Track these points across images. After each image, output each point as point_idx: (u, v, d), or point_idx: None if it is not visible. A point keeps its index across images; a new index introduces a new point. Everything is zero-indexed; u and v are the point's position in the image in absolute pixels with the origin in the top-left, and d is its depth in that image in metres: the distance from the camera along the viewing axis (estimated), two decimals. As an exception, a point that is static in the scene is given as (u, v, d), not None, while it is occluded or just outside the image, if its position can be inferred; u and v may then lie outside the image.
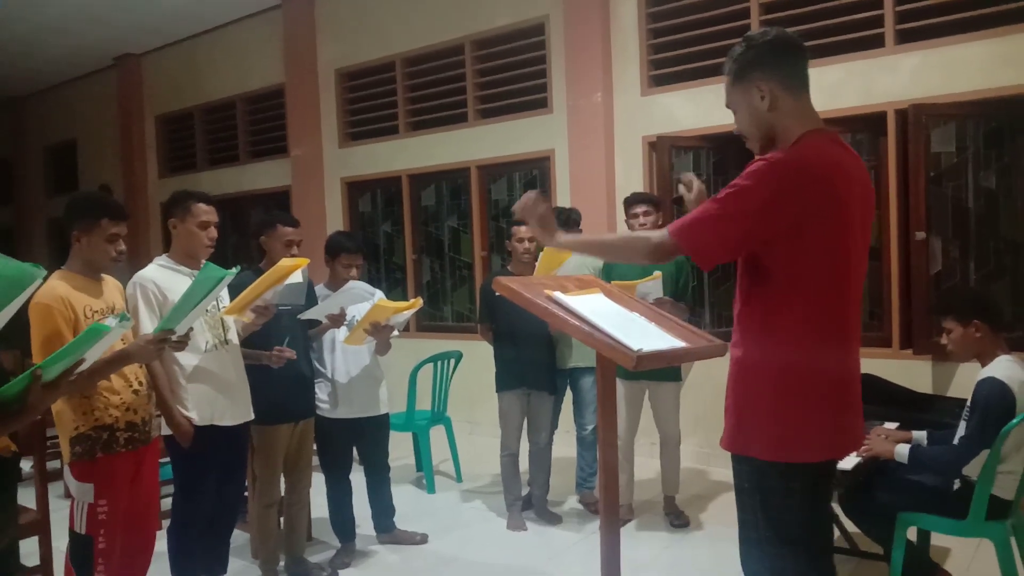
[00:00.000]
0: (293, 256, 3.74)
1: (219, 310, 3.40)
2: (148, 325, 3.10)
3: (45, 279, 1.86)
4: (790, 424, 2.01)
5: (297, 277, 3.47)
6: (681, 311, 4.25)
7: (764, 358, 2.04)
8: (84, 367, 2.13)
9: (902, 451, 3.23)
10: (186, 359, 3.22)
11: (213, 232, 3.37)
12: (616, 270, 4.35)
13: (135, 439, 2.97)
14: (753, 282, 2.07)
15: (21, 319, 2.77)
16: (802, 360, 1.99)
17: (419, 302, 4.08)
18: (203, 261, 3.06)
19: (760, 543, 2.09)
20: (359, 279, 4.10)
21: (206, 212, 3.33)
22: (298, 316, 3.63)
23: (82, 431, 2.86)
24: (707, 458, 5.62)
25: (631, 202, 4.48)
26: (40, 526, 3.60)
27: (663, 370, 4.35)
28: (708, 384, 5.27)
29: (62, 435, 2.89)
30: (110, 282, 3.08)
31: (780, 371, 2.01)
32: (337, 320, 3.84)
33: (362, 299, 3.88)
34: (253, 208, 8.57)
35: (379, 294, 4.15)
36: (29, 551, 3.73)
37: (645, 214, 4.37)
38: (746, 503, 2.12)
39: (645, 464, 4.71)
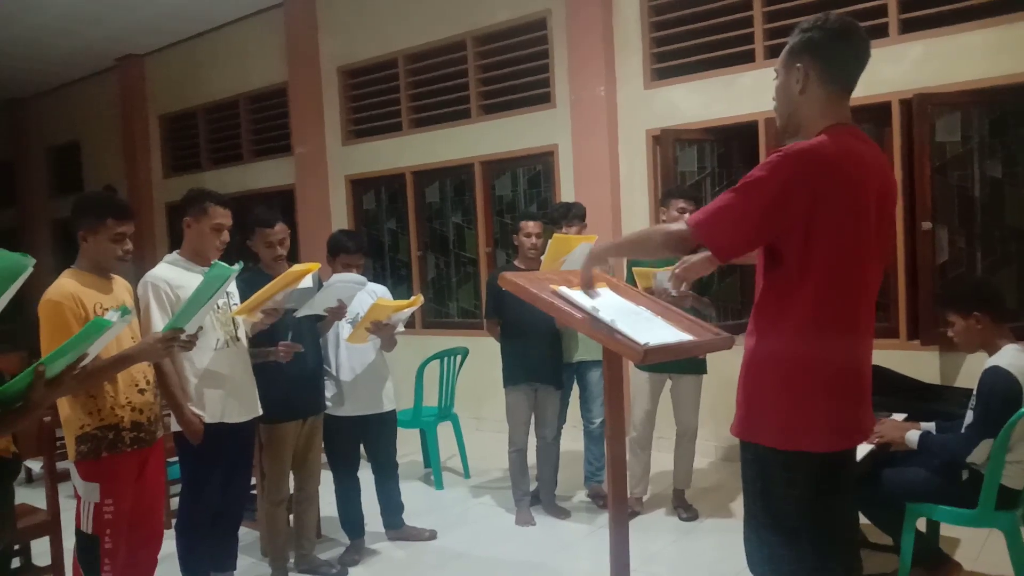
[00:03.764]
0: (278, 255, 3.74)
1: (230, 308, 3.41)
2: (160, 325, 3.11)
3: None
4: (796, 413, 2.02)
5: (307, 282, 3.48)
6: (705, 306, 4.24)
7: (775, 346, 2.05)
8: (86, 362, 2.13)
9: (912, 437, 3.25)
10: (198, 357, 3.24)
11: (225, 236, 3.39)
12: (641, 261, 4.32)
13: (141, 439, 2.98)
14: (769, 271, 2.09)
15: (29, 319, 2.79)
16: (811, 350, 2.00)
17: (419, 299, 4.08)
18: (213, 260, 3.08)
19: (759, 529, 2.12)
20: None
21: (222, 216, 3.36)
22: (294, 314, 3.61)
23: (88, 430, 2.87)
24: (716, 451, 5.62)
25: (671, 196, 4.44)
26: (50, 526, 3.61)
27: (687, 362, 4.33)
28: (716, 377, 5.25)
29: (68, 434, 2.91)
30: (120, 282, 3.09)
31: (790, 360, 2.02)
32: (337, 312, 3.81)
33: (352, 290, 3.81)
34: (257, 207, 8.58)
35: (371, 285, 4.15)
36: (40, 551, 3.76)
37: (681, 211, 4.26)
38: (750, 490, 2.14)
39: (654, 458, 4.71)
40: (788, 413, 2.02)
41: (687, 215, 4.14)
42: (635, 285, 3.72)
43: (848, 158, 1.98)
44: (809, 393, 2.01)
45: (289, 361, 3.61)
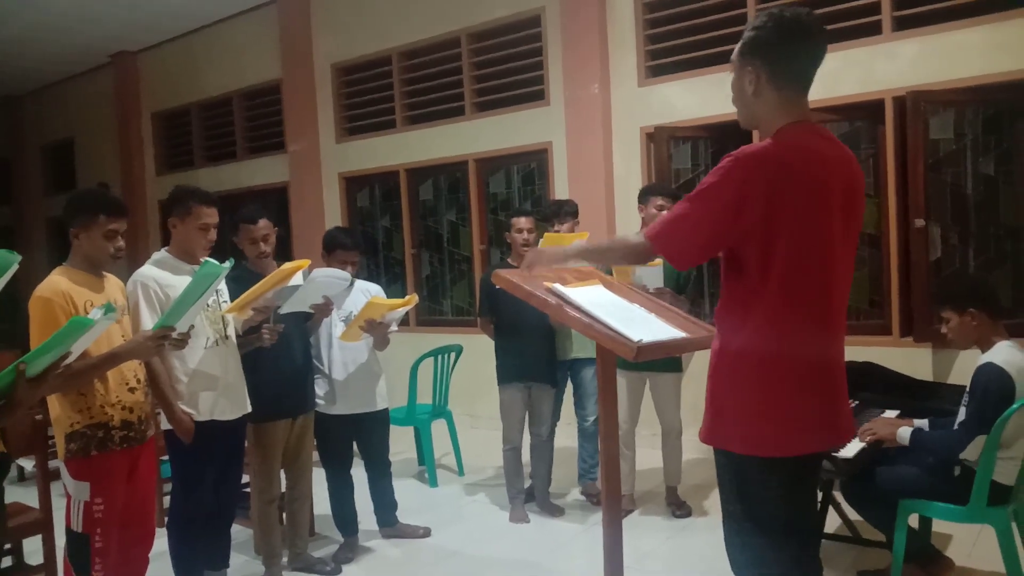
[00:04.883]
0: (262, 252, 3.72)
1: (220, 306, 3.40)
2: (149, 324, 3.09)
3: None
4: (766, 418, 1.99)
5: (298, 279, 3.47)
6: (682, 303, 4.24)
7: (741, 351, 2.02)
8: (70, 360, 2.11)
9: (904, 433, 3.24)
10: (188, 355, 3.22)
11: (213, 235, 3.35)
12: None
13: (131, 438, 2.96)
14: (731, 275, 2.05)
15: (22, 317, 2.78)
16: (779, 353, 1.97)
17: (414, 299, 4.07)
18: (202, 258, 3.06)
19: (741, 533, 2.09)
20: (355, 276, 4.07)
21: (207, 215, 3.30)
22: (278, 310, 3.57)
23: (77, 428, 2.86)
24: (708, 448, 5.61)
25: (649, 193, 4.44)
26: (43, 525, 3.60)
27: (663, 361, 4.34)
28: (702, 375, 5.29)
29: (58, 432, 2.89)
30: (112, 280, 3.08)
31: (756, 364, 1.99)
32: (323, 309, 3.77)
33: (337, 286, 3.75)
34: (246, 204, 8.56)
35: (364, 284, 4.14)
36: (32, 550, 3.74)
37: (659, 208, 4.28)
38: (727, 494, 2.12)
39: (646, 455, 4.72)
40: (759, 418, 1.99)
41: (664, 212, 4.17)
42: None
43: (805, 156, 1.95)
44: (780, 397, 1.98)
45: (275, 345, 3.54)
